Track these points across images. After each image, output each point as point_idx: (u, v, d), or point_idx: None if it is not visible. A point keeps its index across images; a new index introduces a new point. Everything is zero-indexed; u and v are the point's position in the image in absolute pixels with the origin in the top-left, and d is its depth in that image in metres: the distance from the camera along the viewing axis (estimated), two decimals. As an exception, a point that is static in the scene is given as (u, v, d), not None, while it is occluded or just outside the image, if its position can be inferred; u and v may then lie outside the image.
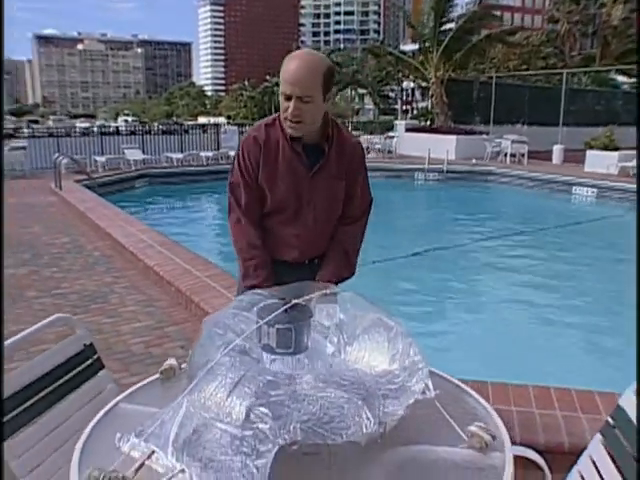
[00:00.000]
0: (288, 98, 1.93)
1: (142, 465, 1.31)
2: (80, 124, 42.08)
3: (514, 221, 11.62)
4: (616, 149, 14.85)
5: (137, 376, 1.99)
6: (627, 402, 1.49)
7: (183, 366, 1.82)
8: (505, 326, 5.50)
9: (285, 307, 1.51)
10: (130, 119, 70.99)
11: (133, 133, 19.70)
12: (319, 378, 1.49)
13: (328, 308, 1.76)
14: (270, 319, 1.48)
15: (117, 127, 22.57)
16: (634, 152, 14.71)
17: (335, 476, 1.36)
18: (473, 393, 1.65)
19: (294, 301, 1.55)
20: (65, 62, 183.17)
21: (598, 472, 1.50)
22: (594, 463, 1.53)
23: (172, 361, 1.81)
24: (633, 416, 1.46)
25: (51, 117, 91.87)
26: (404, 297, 6.33)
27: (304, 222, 2.13)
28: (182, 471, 1.28)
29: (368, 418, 1.38)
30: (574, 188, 13.85)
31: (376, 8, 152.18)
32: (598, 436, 1.56)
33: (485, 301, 6.49)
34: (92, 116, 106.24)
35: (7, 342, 1.70)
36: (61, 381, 1.80)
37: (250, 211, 2.13)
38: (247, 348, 1.62)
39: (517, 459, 1.43)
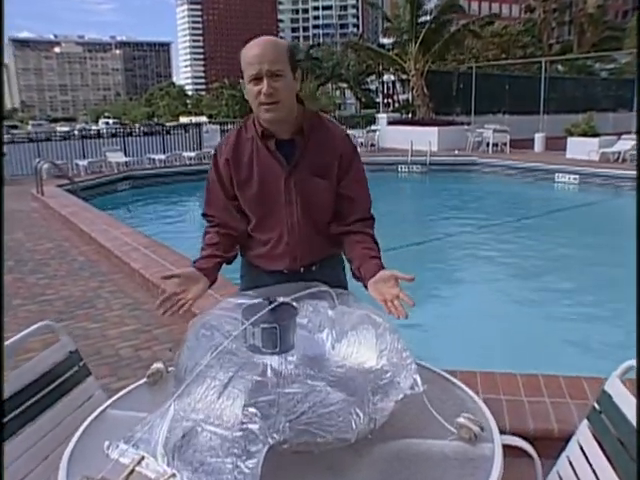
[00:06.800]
0: (258, 80, 1.78)
1: (132, 471, 1.30)
2: (60, 128, 41.66)
3: (499, 210, 11.69)
4: (596, 135, 14.96)
5: (126, 380, 1.98)
6: (612, 387, 1.50)
7: (170, 369, 1.81)
8: (494, 314, 5.52)
9: (270, 307, 1.50)
10: (111, 121, 70.44)
11: (114, 135, 19.62)
12: (308, 376, 1.49)
13: (316, 306, 1.75)
14: (255, 319, 1.48)
15: (98, 130, 22.36)
16: (614, 138, 14.87)
17: (326, 473, 1.36)
18: (461, 385, 1.66)
19: (280, 300, 1.54)
20: (42, 65, 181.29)
21: (586, 457, 1.51)
22: (582, 449, 1.54)
23: (159, 364, 1.79)
24: (618, 401, 1.47)
25: (30, 122, 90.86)
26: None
27: (288, 225, 1.96)
28: (173, 475, 1.27)
29: (357, 414, 1.38)
30: (557, 175, 13.96)
31: (354, 2, 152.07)
32: (585, 422, 1.57)
33: (474, 289, 6.52)
34: (72, 119, 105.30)
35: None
36: (48, 389, 1.78)
37: (214, 221, 2.04)
38: (234, 349, 1.61)
39: (507, 447, 1.44)
